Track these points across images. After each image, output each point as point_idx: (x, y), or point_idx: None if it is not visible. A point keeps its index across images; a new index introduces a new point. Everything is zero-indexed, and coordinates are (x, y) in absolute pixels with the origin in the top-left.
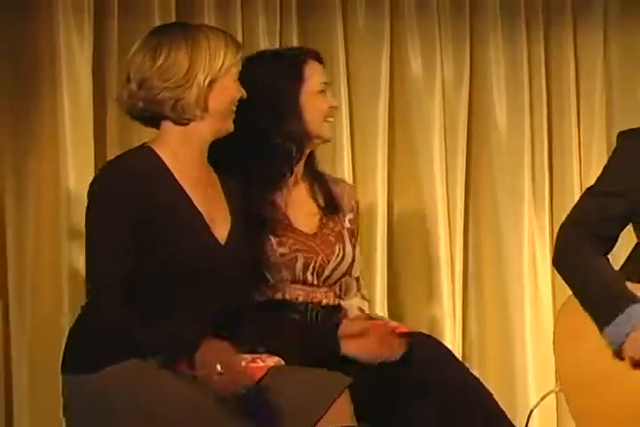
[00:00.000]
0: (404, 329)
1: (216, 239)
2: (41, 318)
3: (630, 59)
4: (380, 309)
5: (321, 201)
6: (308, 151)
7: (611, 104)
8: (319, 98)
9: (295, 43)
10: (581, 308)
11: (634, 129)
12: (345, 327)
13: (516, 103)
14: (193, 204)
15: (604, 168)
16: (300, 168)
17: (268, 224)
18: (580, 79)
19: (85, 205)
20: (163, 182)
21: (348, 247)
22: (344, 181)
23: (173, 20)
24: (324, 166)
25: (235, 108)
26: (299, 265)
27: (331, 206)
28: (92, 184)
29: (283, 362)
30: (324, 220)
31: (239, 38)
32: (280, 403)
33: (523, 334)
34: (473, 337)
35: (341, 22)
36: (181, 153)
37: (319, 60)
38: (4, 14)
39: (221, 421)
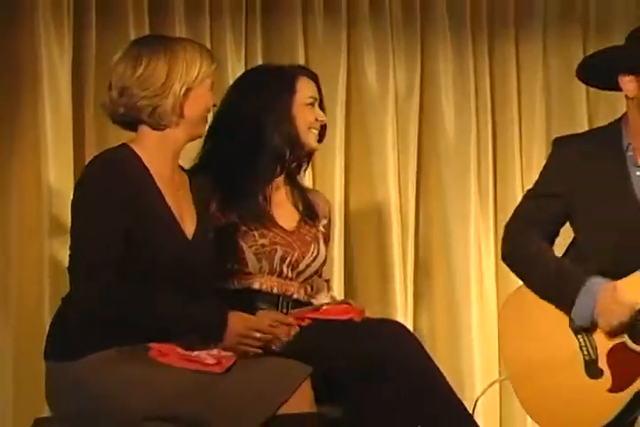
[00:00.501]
0: (364, 314)
1: (184, 234)
2: (24, 311)
3: (567, 69)
4: None
5: (299, 206)
6: (299, 160)
7: (550, 111)
8: (307, 109)
9: (259, 54)
10: (523, 301)
11: (567, 136)
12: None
13: (463, 111)
14: (166, 201)
15: (541, 172)
16: (282, 176)
17: (258, 216)
18: (522, 88)
19: (66, 202)
20: (141, 179)
21: (322, 248)
22: (319, 192)
23: (147, 33)
24: None
25: (208, 116)
26: (277, 257)
27: (308, 211)
28: (77, 181)
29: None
30: (301, 222)
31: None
32: (246, 389)
33: (469, 327)
34: (424, 330)
35: (302, 35)
36: (156, 155)
37: (312, 77)
38: None
39: (179, 402)
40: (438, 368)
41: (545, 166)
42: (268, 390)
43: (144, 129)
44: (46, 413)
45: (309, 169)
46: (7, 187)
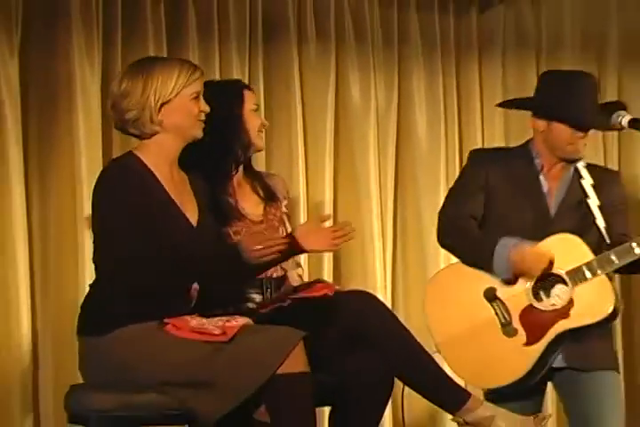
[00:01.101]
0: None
1: (190, 222)
2: (62, 293)
3: (522, 87)
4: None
5: (261, 193)
6: (248, 156)
7: (507, 123)
8: (253, 115)
9: (261, 76)
10: (445, 281)
11: (482, 148)
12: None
13: (434, 122)
14: (170, 196)
15: (463, 172)
16: (241, 172)
17: (228, 213)
18: (485, 104)
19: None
20: (147, 181)
21: (289, 228)
22: (276, 175)
23: (165, 53)
24: (283, 171)
25: (202, 119)
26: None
27: (269, 195)
28: (96, 186)
29: (251, 322)
30: (267, 208)
31: (217, 70)
32: (248, 354)
33: None
34: (400, 300)
35: (297, 58)
36: (156, 158)
37: (250, 89)
38: (37, 53)
39: (190, 369)
40: (409, 331)
41: (468, 167)
42: (267, 354)
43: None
44: (80, 381)
45: (304, 172)
46: (47, 184)
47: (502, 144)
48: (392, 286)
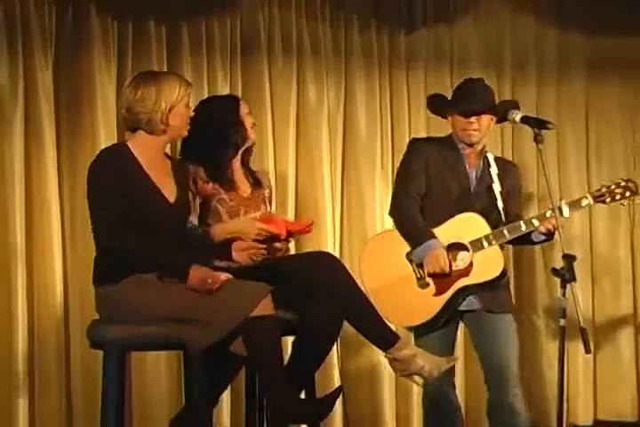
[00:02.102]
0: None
1: (167, 200)
2: (87, 251)
3: (440, 90)
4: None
5: (251, 180)
6: (245, 147)
7: (429, 118)
8: (247, 117)
9: (239, 81)
10: (376, 245)
11: (419, 137)
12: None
13: (372, 117)
14: (150, 177)
15: (406, 159)
16: (238, 162)
17: (227, 182)
18: (411, 103)
19: None
20: (129, 164)
21: (269, 207)
22: (262, 172)
23: (165, 66)
24: (257, 153)
25: (187, 123)
26: (241, 213)
27: (256, 183)
28: (90, 165)
29: (232, 277)
30: (254, 191)
31: (205, 77)
32: (229, 300)
33: None
34: (346, 255)
35: (267, 68)
36: (144, 149)
37: (243, 101)
38: (66, 64)
39: (183, 310)
40: (356, 284)
41: (408, 154)
42: (243, 301)
43: (140, 132)
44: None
45: (273, 160)
46: (74, 161)
47: (424, 134)
48: (340, 243)
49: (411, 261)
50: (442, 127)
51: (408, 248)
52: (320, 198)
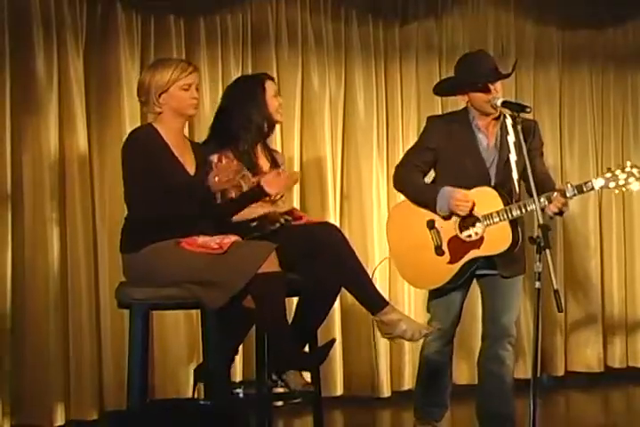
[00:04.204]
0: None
1: (188, 172)
2: (114, 219)
3: (430, 77)
4: None
5: (269, 159)
6: (272, 131)
7: (420, 102)
8: (273, 99)
9: (250, 71)
10: (402, 212)
11: (436, 115)
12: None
13: (369, 102)
14: (174, 153)
15: (420, 135)
16: (261, 144)
17: (251, 163)
18: (403, 89)
19: None
20: (157, 141)
21: None
22: (278, 151)
23: (184, 56)
24: None
25: (192, 103)
26: None
27: (274, 161)
28: (124, 143)
29: (240, 239)
30: (271, 168)
31: (220, 67)
32: (238, 259)
33: (372, 224)
34: (346, 227)
35: (275, 58)
36: (166, 129)
37: (272, 79)
38: (95, 54)
39: (198, 272)
40: (354, 252)
41: (423, 132)
42: (251, 259)
43: (162, 115)
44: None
45: (279, 139)
46: (104, 152)
47: (416, 118)
48: (340, 217)
49: (430, 228)
50: (432, 108)
51: (427, 216)
52: (323, 174)
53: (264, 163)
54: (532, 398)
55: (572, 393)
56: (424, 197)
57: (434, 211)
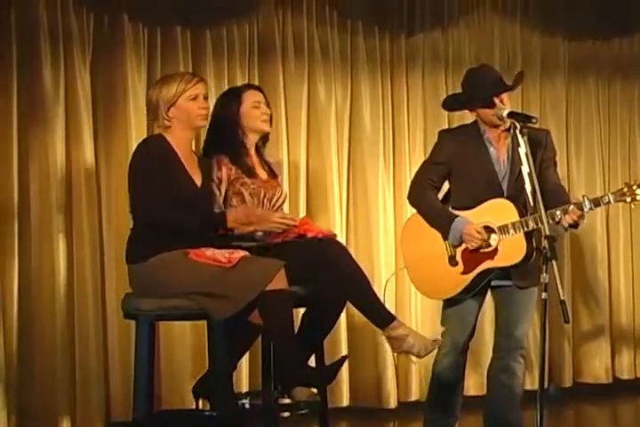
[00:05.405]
0: (321, 232)
1: (195, 183)
2: (120, 230)
3: (436, 89)
4: None
5: (266, 168)
6: (255, 139)
7: (425, 119)
8: (252, 109)
9: (256, 83)
10: (417, 222)
11: (447, 129)
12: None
13: (375, 113)
14: (183, 164)
15: (433, 149)
16: (253, 152)
17: (249, 170)
18: (410, 101)
19: None
20: (167, 151)
21: (285, 191)
22: (275, 162)
23: (191, 69)
24: (272, 145)
25: (202, 113)
26: (262, 195)
27: (271, 171)
28: (136, 150)
29: (249, 254)
30: (269, 176)
31: (226, 79)
32: (247, 275)
33: (378, 237)
34: (351, 241)
35: (281, 70)
36: (176, 140)
37: (256, 88)
38: (102, 67)
39: (206, 285)
40: (359, 268)
41: (435, 146)
42: (259, 276)
43: (172, 127)
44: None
45: (286, 147)
46: (109, 162)
47: (422, 129)
48: (346, 225)
49: (445, 239)
50: (438, 119)
51: None
52: (329, 185)
53: (260, 169)
54: (539, 409)
55: (580, 404)
56: (437, 223)
57: (445, 238)
